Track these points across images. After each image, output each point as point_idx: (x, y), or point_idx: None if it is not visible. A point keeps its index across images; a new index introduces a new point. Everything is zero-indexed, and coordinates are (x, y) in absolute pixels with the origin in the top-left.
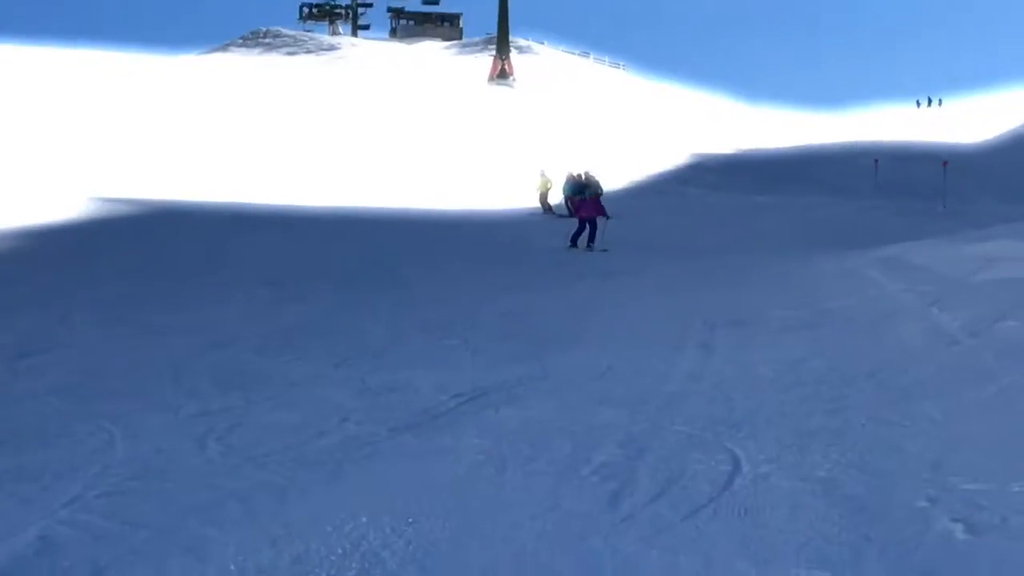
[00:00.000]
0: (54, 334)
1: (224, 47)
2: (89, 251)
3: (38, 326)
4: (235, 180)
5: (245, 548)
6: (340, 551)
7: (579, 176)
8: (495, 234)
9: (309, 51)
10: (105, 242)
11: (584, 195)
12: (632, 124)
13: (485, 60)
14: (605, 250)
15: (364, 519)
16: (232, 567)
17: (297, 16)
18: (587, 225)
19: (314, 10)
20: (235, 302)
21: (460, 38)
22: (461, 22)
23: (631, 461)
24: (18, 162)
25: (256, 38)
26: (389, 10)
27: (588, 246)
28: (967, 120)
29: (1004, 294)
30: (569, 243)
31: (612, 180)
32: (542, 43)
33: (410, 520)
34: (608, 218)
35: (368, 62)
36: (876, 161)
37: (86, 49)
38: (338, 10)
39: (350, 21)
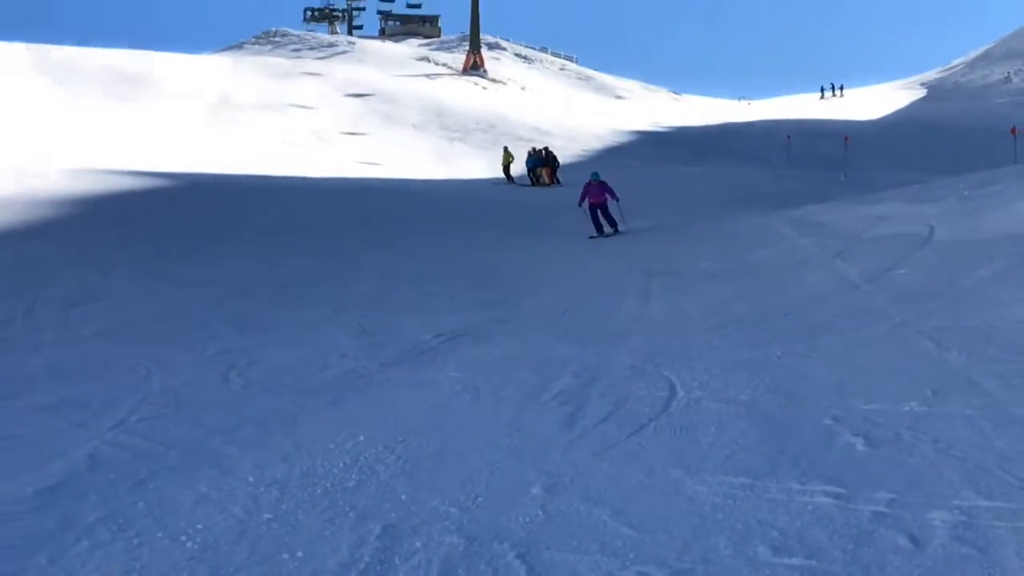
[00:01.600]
0: (98, 287)
1: (239, 45)
2: (126, 217)
3: (84, 281)
4: (251, 156)
5: (261, 463)
6: (341, 465)
7: (540, 151)
8: (467, 200)
9: (312, 48)
10: (139, 209)
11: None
12: (581, 107)
13: (459, 55)
14: (625, 231)
15: (361, 438)
16: (251, 479)
17: (302, 18)
18: (599, 211)
19: (316, 13)
20: (249, 258)
21: (439, 36)
22: (439, 23)
23: (584, 388)
24: (64, 142)
25: (267, 37)
26: (378, 12)
27: (614, 230)
28: (863, 104)
29: (895, 247)
30: (595, 232)
31: (564, 155)
32: (507, 40)
33: (400, 439)
34: (617, 199)
35: (363, 56)
36: (789, 137)
37: (121, 50)
38: (336, 13)
39: (347, 22)
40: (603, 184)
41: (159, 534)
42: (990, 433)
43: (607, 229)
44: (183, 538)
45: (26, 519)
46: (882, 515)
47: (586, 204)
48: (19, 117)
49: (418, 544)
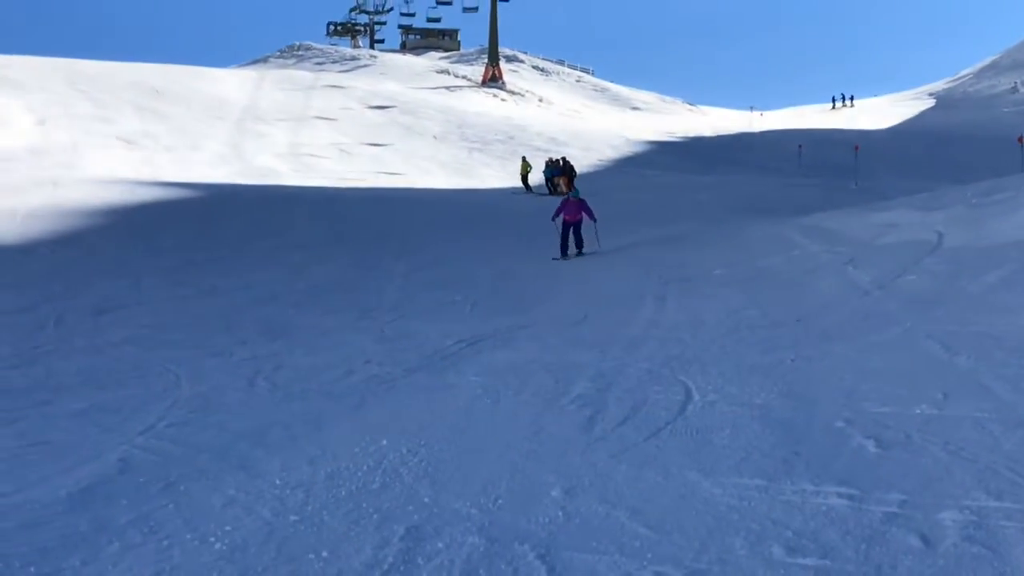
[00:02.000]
0: (127, 295)
1: (265, 59)
2: (154, 227)
3: (114, 289)
4: (275, 167)
5: (288, 466)
6: (365, 468)
7: (557, 161)
8: (486, 209)
9: (335, 61)
10: (167, 219)
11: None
12: (597, 118)
13: (479, 67)
14: (595, 252)
15: (384, 442)
16: (277, 481)
17: (325, 32)
18: (571, 229)
19: (338, 27)
20: (274, 266)
21: (458, 49)
22: (459, 36)
23: (602, 392)
24: (94, 154)
25: (292, 51)
26: (400, 26)
27: (579, 251)
28: (873, 114)
29: (904, 253)
30: (559, 255)
31: (580, 164)
32: (525, 52)
33: (422, 442)
34: (594, 220)
35: (385, 69)
36: (800, 147)
37: (150, 64)
38: (358, 27)
39: (368, 36)
40: (582, 202)
41: (189, 535)
42: (999, 435)
43: (572, 251)
44: (212, 539)
45: (59, 521)
46: (894, 516)
47: (559, 220)
48: (51, 130)
49: (440, 545)
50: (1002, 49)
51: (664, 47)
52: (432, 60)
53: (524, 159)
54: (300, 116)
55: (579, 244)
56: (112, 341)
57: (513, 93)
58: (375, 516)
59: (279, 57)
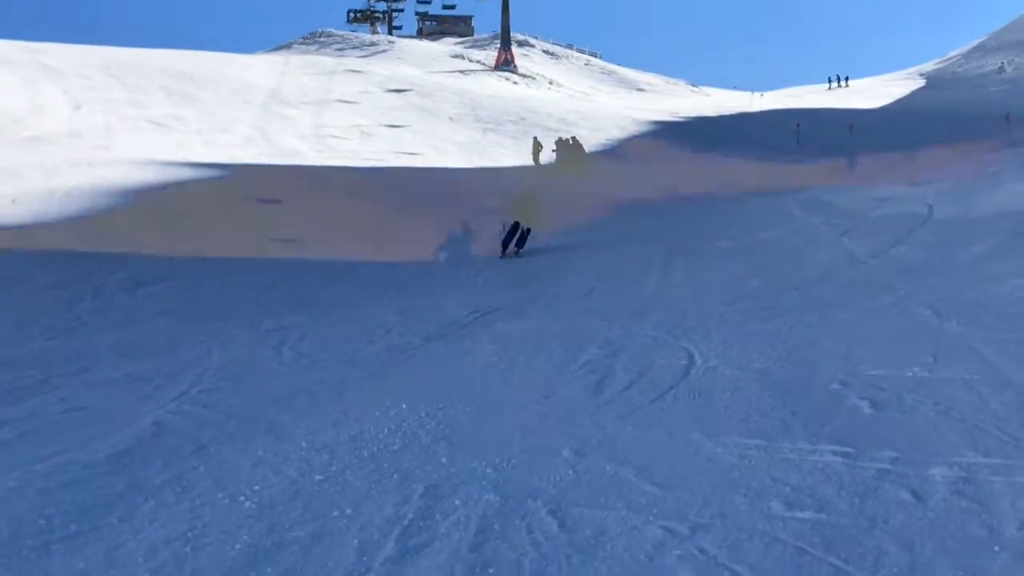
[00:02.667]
0: (161, 270)
1: (288, 45)
2: (182, 208)
3: (149, 264)
4: (298, 147)
5: (312, 430)
6: (386, 431)
7: (568, 140)
8: (498, 185)
9: (354, 47)
10: (197, 196)
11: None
12: (605, 99)
13: (492, 52)
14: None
15: (404, 406)
16: (303, 444)
17: (345, 19)
18: (521, 228)
19: (358, 14)
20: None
21: (472, 35)
22: (473, 22)
23: (609, 358)
24: (128, 136)
25: (314, 38)
26: (416, 13)
27: (517, 250)
28: (867, 93)
29: (897, 225)
30: (502, 251)
31: (589, 143)
32: (536, 37)
33: (440, 406)
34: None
35: (402, 54)
36: (798, 125)
37: (179, 51)
38: (377, 14)
39: (387, 23)
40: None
41: (220, 495)
42: (987, 396)
43: (512, 248)
44: (242, 498)
45: (98, 482)
46: (887, 472)
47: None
48: (87, 114)
49: (457, 502)
50: (989, 31)
51: (668, 31)
52: (447, 45)
53: (535, 139)
54: (322, 100)
55: (521, 244)
56: (147, 314)
57: (525, 76)
58: (395, 476)
59: (301, 44)
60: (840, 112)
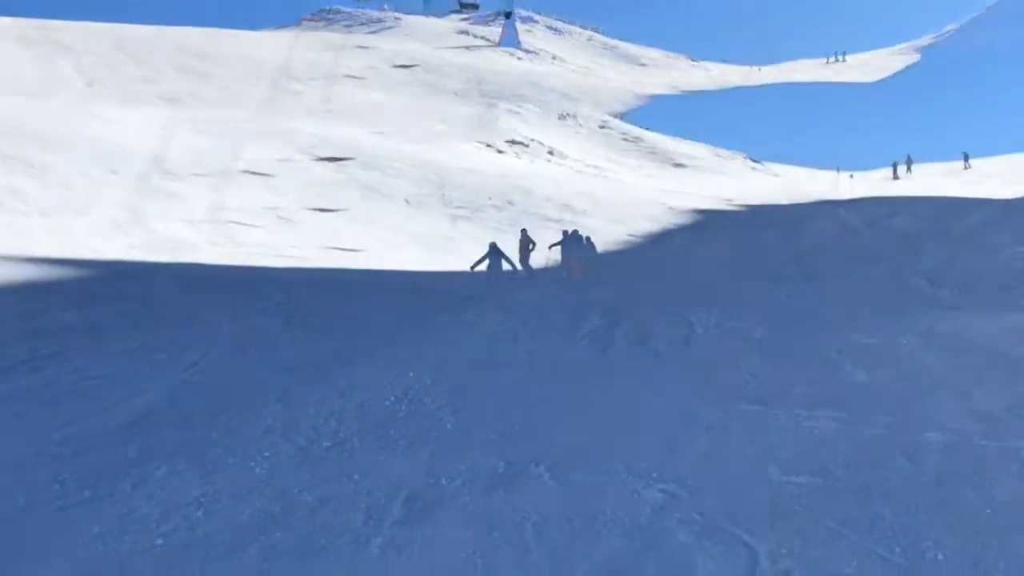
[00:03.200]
0: None
1: (299, 23)
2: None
3: None
4: (307, 122)
5: (321, 398)
6: (392, 398)
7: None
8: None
9: (363, 24)
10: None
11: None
12: (602, 70)
13: (496, 28)
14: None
15: (411, 375)
16: (311, 411)
17: None
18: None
19: None
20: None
21: (477, 10)
22: None
23: (611, 328)
24: (142, 112)
25: (324, 15)
26: None
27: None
28: (863, 68)
29: (894, 196)
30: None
31: (597, 120)
32: (540, 13)
33: (446, 374)
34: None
35: (409, 31)
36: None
37: (191, 27)
38: None
39: None
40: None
41: (230, 460)
42: (979, 364)
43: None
44: (252, 464)
45: (112, 449)
46: (881, 437)
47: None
48: (100, 91)
49: (463, 467)
50: (984, 7)
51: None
52: (453, 22)
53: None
54: (331, 76)
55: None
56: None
57: (528, 52)
58: (402, 442)
59: (311, 20)
60: (837, 85)
